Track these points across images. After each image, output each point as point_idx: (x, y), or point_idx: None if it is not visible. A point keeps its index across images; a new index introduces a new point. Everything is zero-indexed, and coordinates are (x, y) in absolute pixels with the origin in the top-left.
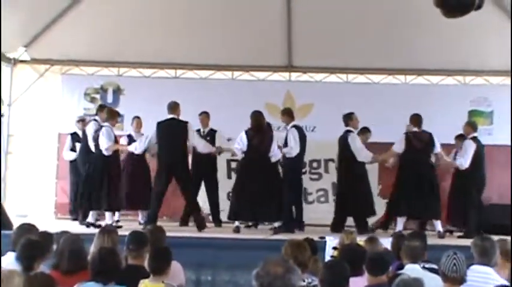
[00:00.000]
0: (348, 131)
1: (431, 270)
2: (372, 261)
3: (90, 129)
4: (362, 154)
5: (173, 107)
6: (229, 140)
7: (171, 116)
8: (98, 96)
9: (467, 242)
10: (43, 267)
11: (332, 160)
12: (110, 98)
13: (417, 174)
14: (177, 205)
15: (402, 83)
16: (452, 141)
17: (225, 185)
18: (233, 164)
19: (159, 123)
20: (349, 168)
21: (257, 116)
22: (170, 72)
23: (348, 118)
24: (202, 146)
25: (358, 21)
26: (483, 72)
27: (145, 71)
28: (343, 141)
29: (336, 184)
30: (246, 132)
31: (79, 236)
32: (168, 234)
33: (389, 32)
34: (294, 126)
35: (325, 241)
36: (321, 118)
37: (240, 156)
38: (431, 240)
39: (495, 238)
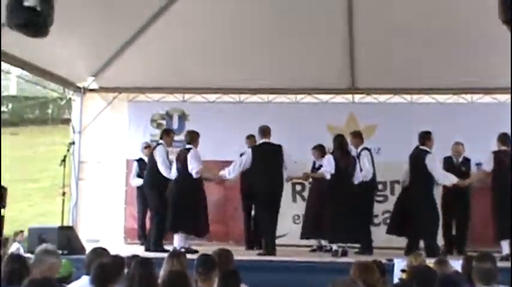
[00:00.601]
0: (425, 151)
1: None
2: (443, 283)
3: (159, 152)
4: (446, 176)
5: (266, 130)
6: (295, 162)
7: (264, 140)
8: (163, 122)
9: None
10: None
11: (397, 182)
12: (175, 124)
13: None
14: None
15: (468, 102)
16: None
17: (291, 208)
18: (297, 187)
19: (253, 148)
20: (423, 189)
21: (342, 139)
22: (234, 97)
23: (426, 137)
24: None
25: (421, 40)
26: None
27: (209, 97)
28: (418, 161)
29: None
30: (333, 154)
31: (150, 260)
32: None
33: (455, 50)
34: (366, 148)
35: (393, 264)
36: (385, 139)
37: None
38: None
39: None
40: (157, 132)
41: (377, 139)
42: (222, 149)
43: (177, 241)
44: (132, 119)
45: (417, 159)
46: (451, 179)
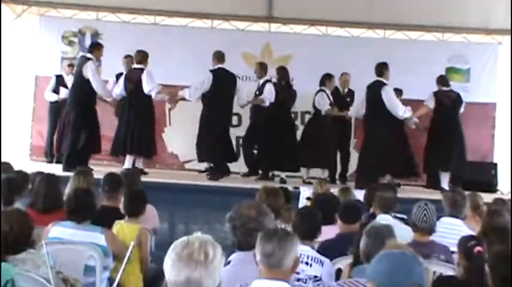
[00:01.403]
0: (382, 83)
1: (402, 220)
2: (345, 209)
3: (92, 69)
4: (402, 108)
5: (222, 56)
6: None
7: (220, 66)
8: (75, 39)
9: (440, 196)
10: (18, 205)
11: (308, 112)
12: (88, 42)
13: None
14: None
15: (381, 38)
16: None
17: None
18: None
19: (213, 71)
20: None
21: (285, 72)
22: (149, 18)
23: (383, 68)
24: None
25: None
26: (462, 30)
27: (124, 17)
28: (375, 93)
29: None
30: (275, 85)
31: (55, 176)
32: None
33: None
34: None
35: (299, 191)
36: (299, 70)
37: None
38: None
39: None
40: (69, 49)
41: (291, 70)
42: None
43: (128, 161)
44: (43, 35)
45: (374, 90)
46: (406, 111)
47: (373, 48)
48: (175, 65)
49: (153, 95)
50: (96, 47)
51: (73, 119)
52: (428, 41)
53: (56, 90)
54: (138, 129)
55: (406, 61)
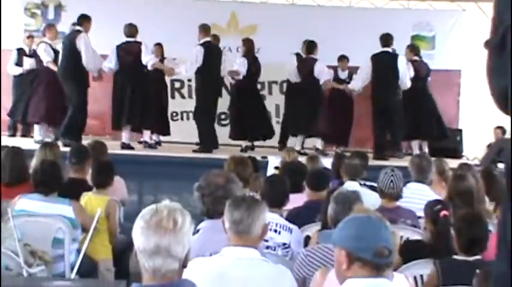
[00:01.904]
0: (395, 54)
1: (370, 187)
2: (312, 177)
3: (85, 41)
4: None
5: (208, 30)
6: (174, 59)
7: (207, 39)
8: (38, 11)
9: (407, 162)
10: None
11: (275, 82)
12: (51, 14)
13: None
14: None
15: (347, 6)
16: None
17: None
18: (176, 84)
19: (203, 45)
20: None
21: (252, 43)
22: None
23: (390, 38)
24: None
25: None
26: None
27: None
28: (389, 63)
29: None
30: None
31: (20, 149)
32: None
33: None
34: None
35: (267, 161)
36: (265, 40)
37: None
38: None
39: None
40: (32, 22)
41: (257, 39)
42: (102, 43)
43: (126, 135)
44: (4, 7)
45: (387, 60)
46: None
47: (339, 16)
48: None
49: (149, 66)
50: (85, 20)
51: (69, 93)
52: (394, 9)
53: (18, 63)
54: (149, 104)
55: (371, 29)
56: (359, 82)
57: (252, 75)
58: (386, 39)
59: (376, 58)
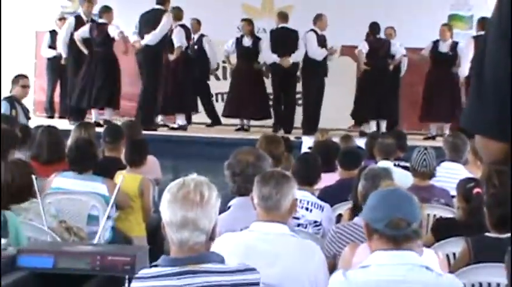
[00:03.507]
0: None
1: (404, 168)
2: (345, 155)
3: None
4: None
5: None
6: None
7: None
8: None
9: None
10: (19, 155)
11: None
12: None
13: None
14: None
15: None
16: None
17: None
18: None
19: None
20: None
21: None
22: None
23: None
24: None
25: None
26: None
27: None
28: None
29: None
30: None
31: (57, 128)
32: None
33: None
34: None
35: (301, 141)
36: (300, 21)
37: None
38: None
39: None
40: (69, 4)
41: (293, 20)
42: None
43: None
44: None
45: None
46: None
47: None
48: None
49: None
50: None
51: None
52: None
53: (52, 46)
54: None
55: (408, 8)
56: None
57: (249, 56)
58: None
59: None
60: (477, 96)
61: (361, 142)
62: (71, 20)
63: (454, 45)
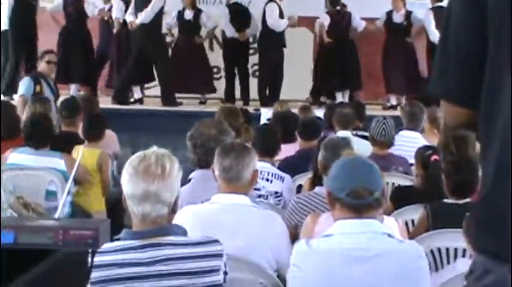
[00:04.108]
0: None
1: (362, 137)
2: (304, 126)
3: None
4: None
5: None
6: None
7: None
8: None
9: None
10: None
11: None
12: None
13: None
14: None
15: None
16: None
17: None
18: None
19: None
20: None
21: None
22: None
23: None
24: None
25: None
26: None
27: None
28: None
29: None
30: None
31: (11, 104)
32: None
33: None
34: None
35: (260, 113)
36: None
37: None
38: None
39: None
40: None
41: None
42: None
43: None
44: None
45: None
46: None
47: None
48: None
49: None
50: None
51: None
52: None
53: None
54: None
55: None
56: None
57: (190, 29)
58: None
59: None
60: (439, 62)
61: (319, 113)
62: None
63: (408, 15)
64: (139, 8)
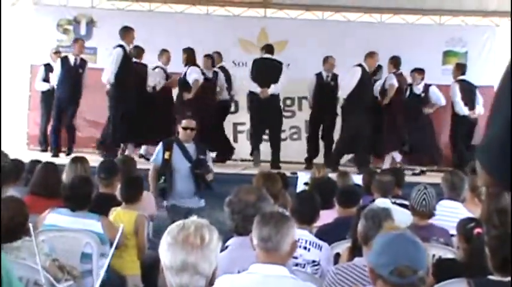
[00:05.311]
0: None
1: (402, 205)
2: (343, 193)
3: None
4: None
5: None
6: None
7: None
8: (71, 28)
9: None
10: (13, 192)
11: (305, 98)
12: (83, 30)
13: None
14: None
15: (378, 22)
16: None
17: None
18: None
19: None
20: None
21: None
22: (144, 5)
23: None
24: None
25: None
26: (459, 13)
27: (118, 4)
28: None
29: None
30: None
31: (54, 164)
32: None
33: None
34: None
35: (297, 177)
36: (295, 56)
37: None
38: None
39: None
40: (65, 37)
41: (287, 55)
42: None
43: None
44: (37, 24)
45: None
46: None
47: (369, 32)
48: (172, 53)
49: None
50: (125, 32)
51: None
52: (426, 24)
53: (46, 79)
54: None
55: (403, 45)
56: None
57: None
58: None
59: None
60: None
61: (357, 179)
62: None
63: (426, 88)
64: None
